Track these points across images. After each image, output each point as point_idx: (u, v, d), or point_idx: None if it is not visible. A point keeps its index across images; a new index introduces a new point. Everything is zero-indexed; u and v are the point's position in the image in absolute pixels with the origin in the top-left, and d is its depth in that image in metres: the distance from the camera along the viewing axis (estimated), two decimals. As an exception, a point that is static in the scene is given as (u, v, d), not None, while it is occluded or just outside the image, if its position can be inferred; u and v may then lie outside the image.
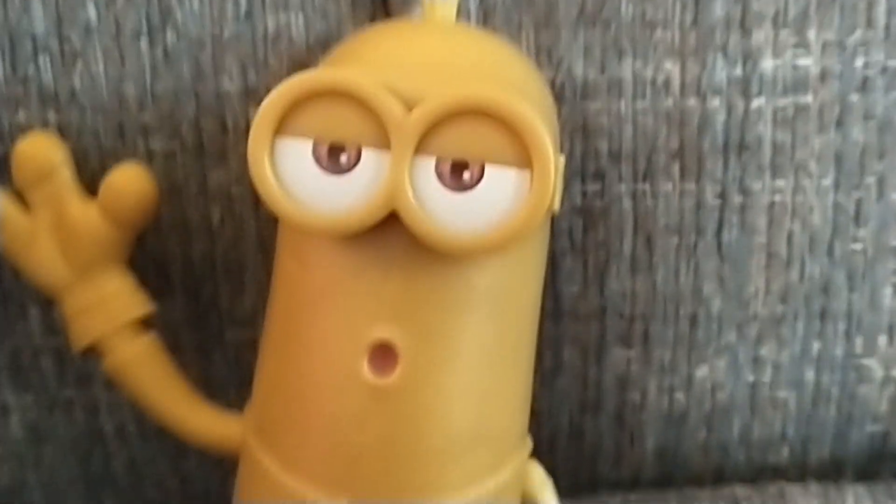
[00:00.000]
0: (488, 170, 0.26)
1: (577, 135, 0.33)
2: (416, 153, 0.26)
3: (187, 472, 0.36)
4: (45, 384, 0.35)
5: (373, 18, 0.32)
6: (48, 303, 0.32)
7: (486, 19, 0.32)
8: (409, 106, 0.26)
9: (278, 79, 0.32)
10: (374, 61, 0.27)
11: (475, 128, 0.25)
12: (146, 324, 0.32)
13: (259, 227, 0.33)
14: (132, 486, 0.37)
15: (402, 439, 0.27)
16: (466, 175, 0.26)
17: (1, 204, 0.31)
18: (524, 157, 0.25)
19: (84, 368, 0.34)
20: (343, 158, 0.26)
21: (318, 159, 0.26)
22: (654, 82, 0.33)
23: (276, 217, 0.27)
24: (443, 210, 0.26)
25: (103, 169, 0.32)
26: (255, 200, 0.28)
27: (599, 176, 0.33)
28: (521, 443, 0.30)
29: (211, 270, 0.34)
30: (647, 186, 0.33)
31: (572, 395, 0.36)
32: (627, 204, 0.34)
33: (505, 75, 0.28)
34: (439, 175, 0.26)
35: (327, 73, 0.26)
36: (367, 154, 0.26)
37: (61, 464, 0.36)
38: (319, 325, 0.27)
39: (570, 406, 0.36)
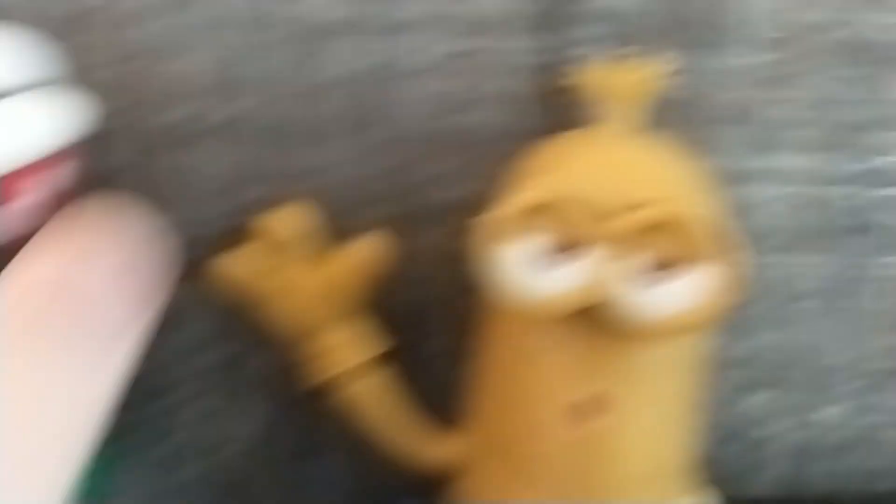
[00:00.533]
0: (676, 268, 0.31)
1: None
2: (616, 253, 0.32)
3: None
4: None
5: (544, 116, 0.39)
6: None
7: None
8: (602, 211, 0.32)
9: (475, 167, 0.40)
10: (571, 174, 0.33)
11: (662, 235, 0.31)
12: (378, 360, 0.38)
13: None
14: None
15: (600, 474, 0.34)
16: (658, 270, 0.31)
17: (267, 262, 0.38)
18: (706, 258, 0.31)
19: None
20: (556, 254, 0.32)
21: (535, 256, 0.32)
22: (785, 172, 0.39)
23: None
24: (637, 301, 0.31)
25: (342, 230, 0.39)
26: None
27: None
28: (691, 483, 0.37)
29: (424, 315, 0.41)
30: (785, 259, 0.40)
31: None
32: (769, 273, 0.40)
33: (678, 180, 0.35)
34: (635, 271, 0.31)
35: (550, 190, 0.32)
36: (577, 251, 0.32)
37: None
38: (530, 387, 0.34)
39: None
